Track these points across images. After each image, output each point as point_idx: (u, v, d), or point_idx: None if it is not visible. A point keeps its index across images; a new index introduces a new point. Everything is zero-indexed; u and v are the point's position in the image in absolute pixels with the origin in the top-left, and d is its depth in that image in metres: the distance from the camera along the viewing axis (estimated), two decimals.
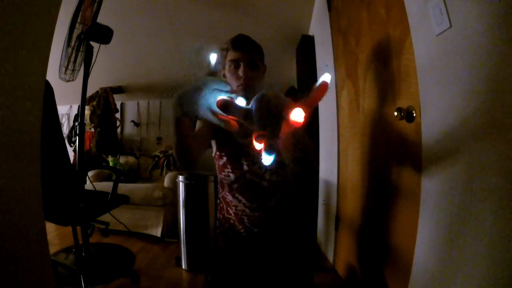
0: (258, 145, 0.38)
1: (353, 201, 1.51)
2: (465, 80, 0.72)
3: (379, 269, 1.21)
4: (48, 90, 1.14)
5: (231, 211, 0.94)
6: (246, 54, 0.89)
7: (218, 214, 1.01)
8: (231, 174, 0.92)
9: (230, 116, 0.43)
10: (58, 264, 1.77)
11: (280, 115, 0.38)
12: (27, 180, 0.68)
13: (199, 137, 0.87)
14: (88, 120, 3.07)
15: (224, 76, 0.94)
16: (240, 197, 0.92)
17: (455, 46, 0.75)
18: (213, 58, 0.51)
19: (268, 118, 0.38)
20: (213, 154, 1.00)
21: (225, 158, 0.94)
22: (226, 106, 0.40)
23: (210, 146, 0.99)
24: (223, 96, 0.42)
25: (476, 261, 0.69)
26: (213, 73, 0.50)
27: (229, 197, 0.94)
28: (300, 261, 0.94)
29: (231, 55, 0.89)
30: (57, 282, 1.59)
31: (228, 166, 0.93)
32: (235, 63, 0.89)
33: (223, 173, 0.95)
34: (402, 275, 0.99)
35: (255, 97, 0.41)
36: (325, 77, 0.38)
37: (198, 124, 0.94)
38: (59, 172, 1.27)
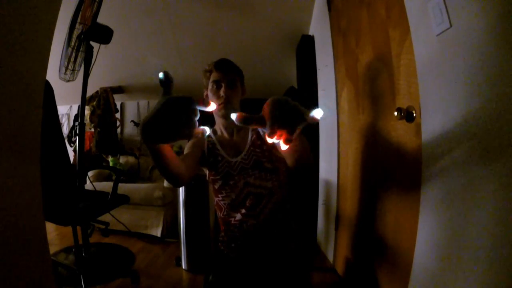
0: (270, 140, 0.42)
1: (353, 201, 1.51)
2: (465, 80, 0.72)
3: (379, 269, 1.21)
4: (48, 90, 1.14)
5: (232, 227, 0.96)
6: (227, 75, 0.97)
7: (220, 233, 1.03)
8: (230, 194, 0.96)
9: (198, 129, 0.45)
10: (58, 264, 1.77)
11: (298, 114, 0.44)
12: (27, 180, 0.68)
13: (188, 158, 0.90)
14: (88, 120, 3.07)
15: (207, 96, 1.01)
16: (241, 209, 0.95)
17: (455, 46, 0.75)
18: (161, 76, 0.48)
19: (287, 116, 0.43)
20: (206, 177, 1.03)
21: (220, 181, 0.97)
22: (245, 118, 0.43)
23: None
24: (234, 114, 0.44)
25: (476, 261, 0.69)
26: (167, 91, 0.47)
27: (231, 213, 0.97)
28: (298, 262, 0.95)
29: (213, 76, 0.98)
30: (57, 282, 1.59)
31: (226, 187, 0.96)
32: (217, 84, 0.97)
33: (220, 195, 0.98)
34: (402, 275, 0.99)
35: (271, 100, 0.44)
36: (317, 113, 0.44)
37: (186, 149, 0.98)
38: (59, 172, 1.27)
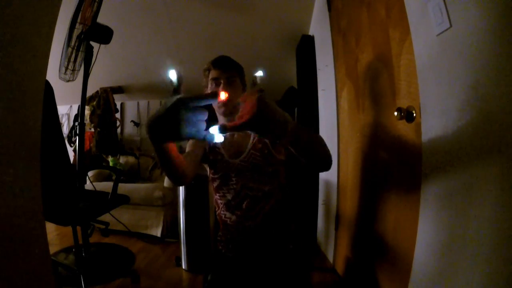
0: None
1: (353, 201, 1.51)
2: (465, 80, 0.72)
3: (379, 269, 1.21)
4: (48, 90, 1.14)
5: (229, 227, 0.97)
6: (226, 72, 0.94)
7: (219, 232, 1.04)
8: (227, 194, 0.96)
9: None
10: (58, 264, 1.77)
11: None
12: (27, 180, 0.68)
13: (190, 157, 0.90)
14: (88, 120, 3.07)
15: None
16: (237, 211, 0.94)
17: (455, 46, 0.75)
18: (172, 75, 0.50)
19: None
20: (207, 173, 1.03)
21: (218, 181, 0.97)
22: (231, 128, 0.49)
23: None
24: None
25: (476, 261, 0.69)
26: (177, 90, 0.49)
27: (227, 214, 0.97)
28: (296, 262, 0.95)
29: (212, 74, 0.95)
30: (57, 282, 1.59)
31: (224, 187, 0.96)
32: (216, 81, 0.94)
33: (218, 194, 0.99)
34: (402, 275, 0.99)
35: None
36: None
37: (188, 147, 0.98)
38: (59, 172, 1.27)
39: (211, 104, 0.46)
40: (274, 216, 0.94)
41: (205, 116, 0.44)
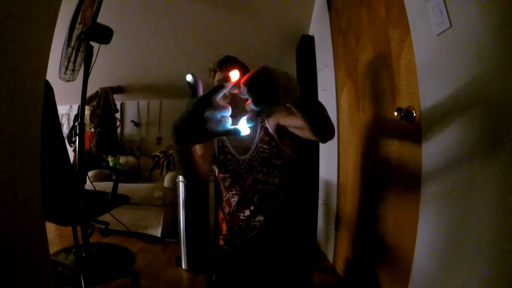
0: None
1: (353, 201, 1.51)
2: (464, 80, 0.72)
3: (379, 269, 1.21)
4: (48, 90, 1.14)
5: (240, 222, 0.97)
6: None
7: (222, 231, 1.05)
8: (239, 191, 0.97)
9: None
10: (58, 264, 1.77)
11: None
12: (27, 180, 0.68)
13: (203, 157, 0.91)
14: (88, 120, 3.07)
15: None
16: (249, 206, 0.96)
17: (455, 46, 0.75)
18: (189, 78, 0.49)
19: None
20: (216, 174, 1.04)
21: (230, 179, 0.98)
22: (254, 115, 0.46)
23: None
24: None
25: (476, 261, 0.69)
26: (195, 92, 0.48)
27: (239, 210, 0.98)
28: (300, 261, 0.95)
29: (218, 75, 0.96)
30: (57, 282, 1.59)
31: (235, 185, 0.97)
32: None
33: (230, 192, 1.00)
34: (402, 275, 0.99)
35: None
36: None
37: (200, 149, 0.97)
38: (59, 172, 1.27)
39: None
40: (283, 212, 0.96)
41: (229, 111, 0.44)
